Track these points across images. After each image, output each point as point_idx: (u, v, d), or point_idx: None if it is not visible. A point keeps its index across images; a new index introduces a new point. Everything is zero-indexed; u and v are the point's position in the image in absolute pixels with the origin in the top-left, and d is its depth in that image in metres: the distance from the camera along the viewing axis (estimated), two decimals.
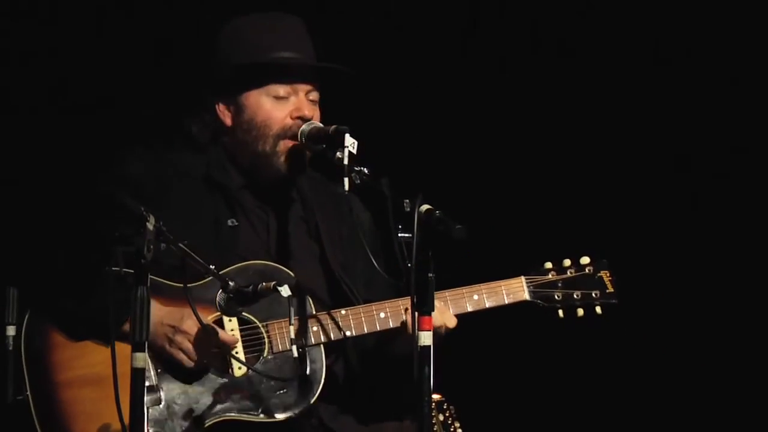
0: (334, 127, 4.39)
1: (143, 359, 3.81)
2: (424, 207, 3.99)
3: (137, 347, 3.81)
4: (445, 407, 4.92)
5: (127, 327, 4.08)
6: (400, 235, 3.99)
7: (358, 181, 4.22)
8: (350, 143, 4.26)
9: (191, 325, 4.29)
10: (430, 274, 3.96)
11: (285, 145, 4.52)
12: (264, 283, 4.15)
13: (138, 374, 3.79)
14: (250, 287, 4.16)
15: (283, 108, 4.54)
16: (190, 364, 4.31)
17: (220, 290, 4.18)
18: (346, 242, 4.68)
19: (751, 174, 6.24)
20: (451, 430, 4.91)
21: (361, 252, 4.57)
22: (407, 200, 4.00)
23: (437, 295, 4.01)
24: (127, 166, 4.49)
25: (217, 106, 4.58)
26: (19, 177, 5.43)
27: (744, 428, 6.22)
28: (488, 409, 5.88)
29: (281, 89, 4.54)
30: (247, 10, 4.66)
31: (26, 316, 4.37)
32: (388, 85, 6.04)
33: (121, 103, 5.69)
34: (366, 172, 4.22)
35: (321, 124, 4.50)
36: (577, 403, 6.27)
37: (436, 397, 4.89)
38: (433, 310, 3.96)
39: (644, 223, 6.23)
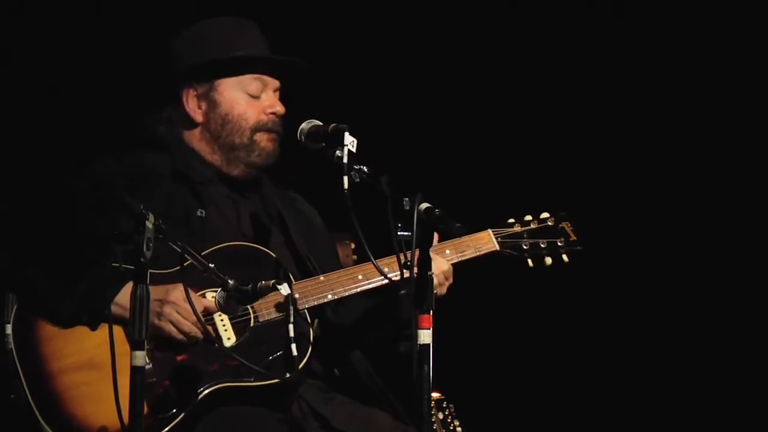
0: (333, 125, 4.39)
1: (143, 357, 3.81)
2: (424, 205, 4.00)
3: (137, 345, 3.81)
4: (444, 405, 4.93)
5: (113, 308, 4.18)
6: (399, 233, 4.00)
7: (358, 180, 4.22)
8: (350, 141, 4.26)
9: (178, 295, 4.32)
10: (430, 272, 3.97)
11: (261, 137, 4.63)
12: (263, 282, 4.15)
13: (137, 372, 3.79)
14: (249, 286, 4.16)
15: (257, 104, 4.64)
16: (179, 335, 4.33)
17: (220, 289, 4.19)
18: (305, 230, 4.76)
19: (717, 138, 6.31)
20: (451, 428, 4.91)
21: (323, 246, 4.75)
22: (407, 198, 4.01)
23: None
24: (95, 165, 4.53)
25: (185, 103, 4.64)
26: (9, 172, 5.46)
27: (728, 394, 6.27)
28: (487, 407, 5.89)
29: (256, 87, 4.64)
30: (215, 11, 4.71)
31: (13, 313, 4.38)
32: (386, 84, 6.05)
33: (84, 106, 5.70)
34: (366, 170, 4.22)
35: (320, 123, 4.50)
36: (576, 400, 6.27)
37: (435, 395, 4.91)
38: (433, 308, 3.97)
39: (601, 189, 6.28)
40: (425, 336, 3.94)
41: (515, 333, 6.22)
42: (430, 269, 3.99)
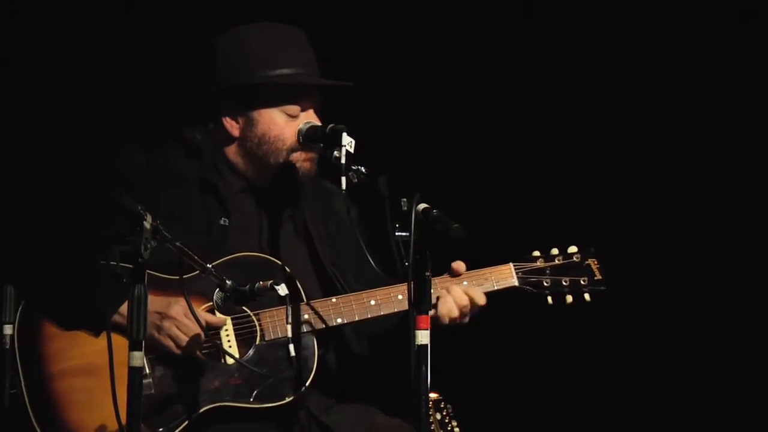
0: (331, 126, 4.40)
1: (140, 358, 3.81)
2: (422, 206, 3.99)
3: (135, 346, 3.81)
4: (442, 406, 4.94)
5: (116, 318, 4.14)
6: (397, 234, 3.99)
7: (356, 180, 4.22)
8: (347, 142, 4.27)
9: (178, 311, 4.31)
10: (428, 273, 3.96)
11: (298, 156, 4.55)
12: (261, 282, 4.15)
13: (135, 373, 3.80)
14: (247, 286, 4.16)
15: (295, 124, 4.56)
16: (177, 351, 4.32)
17: (218, 289, 4.19)
18: (335, 237, 4.70)
19: (733, 159, 6.27)
20: (449, 429, 4.92)
21: (351, 246, 4.63)
22: (405, 199, 4.00)
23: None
24: (120, 161, 4.51)
25: (223, 117, 4.59)
26: (10, 171, 5.45)
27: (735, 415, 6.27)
28: (485, 407, 5.88)
29: (296, 108, 4.56)
30: (253, 16, 4.67)
31: (19, 310, 4.38)
32: (384, 83, 6.04)
33: (118, 104, 5.69)
34: (363, 171, 4.22)
35: (318, 123, 4.51)
36: (573, 399, 6.27)
37: (433, 395, 4.91)
38: (431, 309, 3.97)
39: (631, 215, 6.24)
40: (423, 337, 3.94)
41: (513, 333, 6.21)
42: (428, 270, 3.98)
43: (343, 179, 4.21)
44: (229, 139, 4.59)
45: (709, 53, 6.23)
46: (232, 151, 4.60)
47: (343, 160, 4.24)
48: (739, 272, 6.24)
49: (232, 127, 4.58)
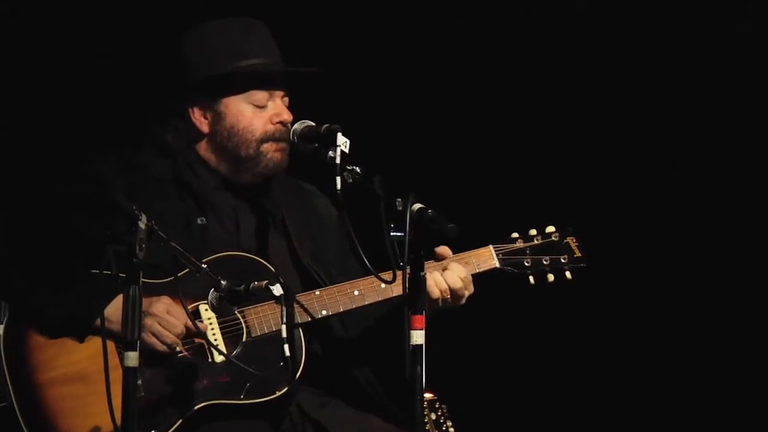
0: (326, 126, 4.40)
1: (135, 358, 3.81)
2: (417, 206, 4.00)
3: (129, 346, 3.81)
4: (437, 406, 4.94)
5: (99, 322, 4.15)
6: (392, 234, 3.99)
7: (351, 180, 4.22)
8: (342, 142, 4.27)
9: (160, 308, 4.30)
10: (422, 273, 3.97)
11: (268, 147, 4.57)
12: (256, 282, 4.16)
13: (130, 373, 3.79)
14: (242, 286, 4.17)
15: (263, 114, 4.58)
16: (162, 347, 4.32)
17: (212, 290, 4.19)
18: (316, 233, 4.72)
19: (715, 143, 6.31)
20: (444, 429, 4.92)
21: (332, 242, 4.67)
22: (399, 199, 4.01)
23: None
24: (96, 165, 4.52)
25: (191, 114, 4.60)
26: None
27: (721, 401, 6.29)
28: (480, 407, 5.89)
29: (262, 97, 4.58)
30: (216, 13, 4.67)
31: (4, 322, 4.37)
32: (380, 83, 6.05)
33: (89, 108, 5.69)
34: (358, 171, 4.22)
35: (313, 123, 4.51)
36: (568, 399, 6.28)
37: (428, 396, 4.91)
38: (426, 309, 3.97)
39: (606, 200, 6.27)
40: (418, 337, 3.94)
41: (508, 333, 6.22)
42: (423, 270, 3.98)
43: (338, 179, 4.22)
44: (200, 135, 4.60)
45: (682, 44, 6.27)
46: (203, 148, 4.61)
47: (338, 161, 4.24)
48: (719, 251, 6.26)
49: (201, 123, 4.60)
